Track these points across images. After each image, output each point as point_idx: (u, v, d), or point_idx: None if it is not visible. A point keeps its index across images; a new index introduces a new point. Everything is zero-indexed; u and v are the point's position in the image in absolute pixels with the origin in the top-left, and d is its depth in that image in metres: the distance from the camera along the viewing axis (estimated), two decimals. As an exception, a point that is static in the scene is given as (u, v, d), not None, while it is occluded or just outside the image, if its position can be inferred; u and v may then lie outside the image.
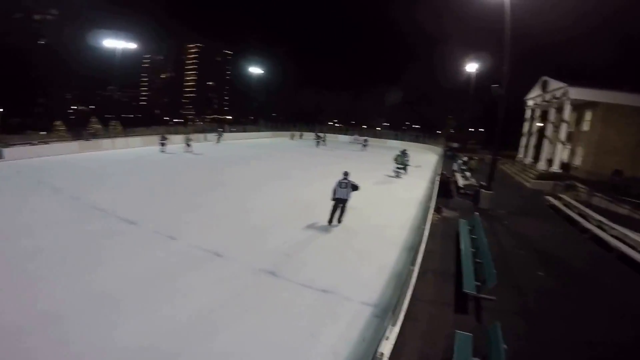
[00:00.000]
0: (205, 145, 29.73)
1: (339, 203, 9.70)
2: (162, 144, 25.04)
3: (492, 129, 18.16)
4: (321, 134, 37.17)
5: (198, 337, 4.80)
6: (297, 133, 43.28)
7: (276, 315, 5.53)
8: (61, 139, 23.90)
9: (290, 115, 58.98)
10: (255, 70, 45.93)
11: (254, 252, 7.86)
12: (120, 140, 26.03)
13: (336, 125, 68.28)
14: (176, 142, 26.66)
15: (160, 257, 7.33)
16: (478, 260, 7.45)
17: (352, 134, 43.86)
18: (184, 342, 4.67)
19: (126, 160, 20.51)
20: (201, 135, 32.23)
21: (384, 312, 5.48)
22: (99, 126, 28.47)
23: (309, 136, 40.50)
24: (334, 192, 9.66)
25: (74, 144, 23.07)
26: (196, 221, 9.88)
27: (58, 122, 26.59)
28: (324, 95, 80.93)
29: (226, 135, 34.94)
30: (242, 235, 8.88)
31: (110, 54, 33.82)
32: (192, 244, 8.03)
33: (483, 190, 14.83)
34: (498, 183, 16.66)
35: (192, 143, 25.49)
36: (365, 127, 62.27)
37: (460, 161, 27.68)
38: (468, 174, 22.04)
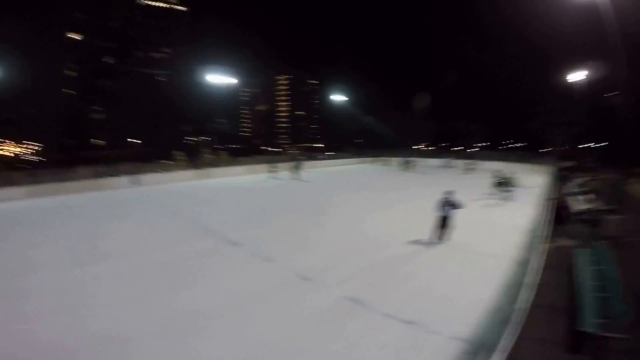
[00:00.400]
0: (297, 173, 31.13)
1: (442, 221, 9.98)
2: (271, 171, 27.09)
3: (613, 144, 14.70)
4: (410, 159, 35.60)
5: None
6: (387, 159, 42.08)
7: (359, 345, 5.29)
8: (179, 167, 27.72)
9: (377, 140, 58.42)
10: (338, 97, 47.32)
11: (343, 278, 7.70)
12: (227, 169, 28.87)
13: (423, 148, 65.13)
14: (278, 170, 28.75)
15: (250, 278, 7.64)
16: (601, 294, 5.89)
17: (443, 157, 40.88)
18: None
19: (234, 187, 22.56)
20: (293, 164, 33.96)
21: (479, 349, 4.72)
22: (211, 156, 32.45)
23: (397, 161, 39.08)
24: (438, 209, 10.01)
25: (190, 173, 26.45)
26: (294, 244, 10.01)
27: (179, 152, 31.22)
28: (409, 118, 78.67)
29: (315, 162, 36.05)
30: (333, 261, 8.81)
31: (215, 89, 38.19)
32: (285, 266, 8.24)
33: (609, 214, 12.10)
34: (628, 206, 13.67)
35: (301, 170, 27.44)
36: (458, 148, 57.78)
37: (576, 182, 23.24)
38: (586, 196, 18.30)
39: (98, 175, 21.33)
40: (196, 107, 77.88)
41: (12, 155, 69.99)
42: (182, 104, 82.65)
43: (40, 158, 68.04)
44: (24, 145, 73.77)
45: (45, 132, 68.86)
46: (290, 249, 9.61)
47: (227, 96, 76.60)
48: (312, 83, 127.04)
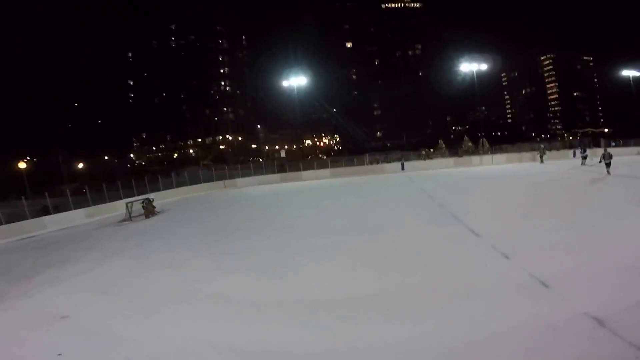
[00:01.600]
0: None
1: None
2: (541, 157, 24.07)
3: None
4: None
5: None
6: None
7: None
8: (442, 155, 28.69)
9: None
10: (629, 73, 31.99)
11: (593, 294, 5.50)
12: (487, 157, 27.04)
13: None
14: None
15: (485, 273, 6.82)
16: None
17: None
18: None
19: (491, 176, 20.76)
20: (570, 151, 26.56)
21: None
22: (471, 144, 31.36)
23: None
24: None
25: (450, 160, 26.80)
26: (537, 243, 8.08)
27: (440, 141, 32.34)
28: None
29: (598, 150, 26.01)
30: (585, 271, 6.59)
31: (471, 76, 34.62)
32: (523, 266, 6.98)
33: None
34: None
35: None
36: None
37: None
38: None
39: (376, 162, 26.15)
40: (456, 97, 76.31)
41: (323, 145, 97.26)
42: (443, 97, 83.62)
43: (338, 147, 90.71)
44: (329, 138, 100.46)
45: (342, 127, 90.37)
46: (532, 248, 7.82)
47: (487, 83, 70.81)
48: (586, 60, 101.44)
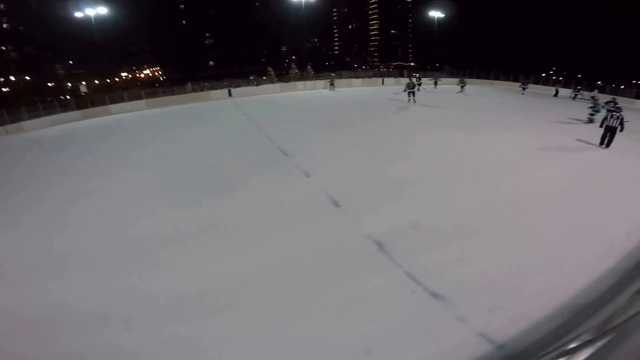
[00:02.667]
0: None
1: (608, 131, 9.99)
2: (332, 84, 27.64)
3: None
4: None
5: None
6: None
7: (360, 307, 4.00)
8: (271, 81, 29.70)
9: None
10: (435, 14, 40.99)
11: (375, 214, 6.32)
12: (309, 83, 29.46)
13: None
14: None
15: (287, 193, 7.52)
16: None
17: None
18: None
19: (308, 98, 23.09)
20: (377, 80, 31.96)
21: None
22: (297, 71, 33.41)
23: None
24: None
25: (277, 86, 28.09)
26: (333, 164, 9.27)
27: (270, 68, 33.19)
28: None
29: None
30: (369, 191, 7.39)
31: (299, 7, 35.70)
32: (320, 186, 7.68)
33: None
34: None
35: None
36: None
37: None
38: None
39: (201, 89, 24.93)
40: (291, 27, 77.45)
41: (142, 76, 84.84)
42: (279, 26, 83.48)
43: (163, 77, 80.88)
44: (151, 70, 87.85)
45: (167, 59, 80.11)
46: (327, 170, 8.83)
47: (318, 16, 75.02)
48: (406, 1, 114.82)
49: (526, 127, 12.92)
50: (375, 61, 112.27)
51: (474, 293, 4.08)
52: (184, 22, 79.61)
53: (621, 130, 9.86)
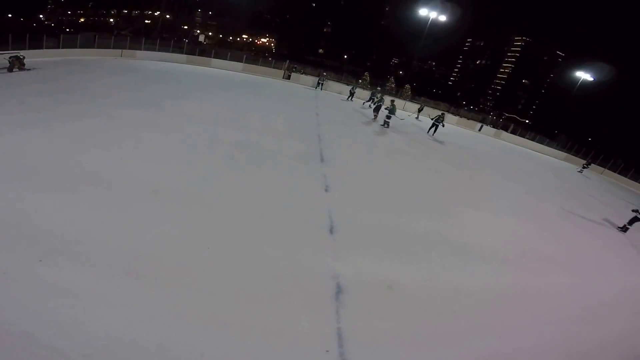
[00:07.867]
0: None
1: None
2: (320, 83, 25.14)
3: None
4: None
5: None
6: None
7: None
8: (362, 87, 28.94)
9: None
10: (584, 75, 32.87)
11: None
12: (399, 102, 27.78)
13: None
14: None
15: (288, 193, 7.21)
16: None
17: None
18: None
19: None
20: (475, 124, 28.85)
21: None
22: (393, 85, 32.48)
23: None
24: None
25: (367, 93, 27.25)
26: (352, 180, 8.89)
27: (366, 74, 32.84)
28: None
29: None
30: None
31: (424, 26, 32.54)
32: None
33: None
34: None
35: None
36: None
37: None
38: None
39: (294, 71, 25.88)
40: (411, 42, 75.33)
41: (259, 43, 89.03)
42: (398, 37, 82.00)
43: (274, 49, 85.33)
44: (268, 40, 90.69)
45: (287, 34, 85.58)
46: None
47: (448, 42, 72.47)
48: (557, 54, 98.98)
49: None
50: (488, 105, 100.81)
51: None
52: (313, 4, 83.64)
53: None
